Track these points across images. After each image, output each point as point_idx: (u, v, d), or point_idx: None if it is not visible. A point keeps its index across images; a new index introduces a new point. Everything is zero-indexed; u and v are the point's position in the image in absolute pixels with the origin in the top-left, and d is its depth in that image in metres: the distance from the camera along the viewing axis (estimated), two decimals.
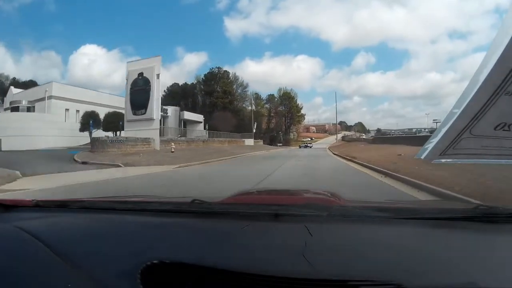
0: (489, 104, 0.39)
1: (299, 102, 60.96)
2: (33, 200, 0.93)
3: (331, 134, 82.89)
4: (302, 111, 62.08)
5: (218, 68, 52.84)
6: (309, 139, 71.22)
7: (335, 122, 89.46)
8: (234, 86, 52.78)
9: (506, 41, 0.33)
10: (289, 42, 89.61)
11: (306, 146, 44.29)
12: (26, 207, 0.93)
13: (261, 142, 42.89)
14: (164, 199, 1.20)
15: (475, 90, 0.38)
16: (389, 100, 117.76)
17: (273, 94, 60.71)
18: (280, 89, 61.14)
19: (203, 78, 51.64)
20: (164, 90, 49.05)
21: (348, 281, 0.48)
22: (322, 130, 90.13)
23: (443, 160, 0.52)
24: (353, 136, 63.22)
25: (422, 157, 0.51)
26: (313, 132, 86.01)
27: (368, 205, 0.99)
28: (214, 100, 47.90)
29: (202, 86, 50.95)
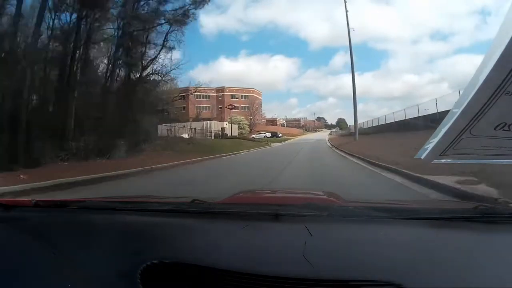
0: (489, 104, 0.39)
1: None
2: (33, 200, 0.93)
3: (308, 130, 68.91)
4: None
5: None
6: (266, 134, 36.88)
7: (312, 119, 76.33)
8: None
9: (506, 41, 0.33)
10: (267, 40, 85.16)
11: None
12: (26, 207, 0.93)
13: None
14: (164, 199, 1.20)
15: (475, 90, 0.38)
16: (364, 101, 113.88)
17: None
18: None
19: None
20: None
21: (348, 281, 0.47)
22: (296, 125, 73.21)
23: (443, 160, 0.52)
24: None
25: (422, 157, 0.51)
26: (282, 125, 60.85)
27: (368, 205, 0.99)
28: None
29: None
